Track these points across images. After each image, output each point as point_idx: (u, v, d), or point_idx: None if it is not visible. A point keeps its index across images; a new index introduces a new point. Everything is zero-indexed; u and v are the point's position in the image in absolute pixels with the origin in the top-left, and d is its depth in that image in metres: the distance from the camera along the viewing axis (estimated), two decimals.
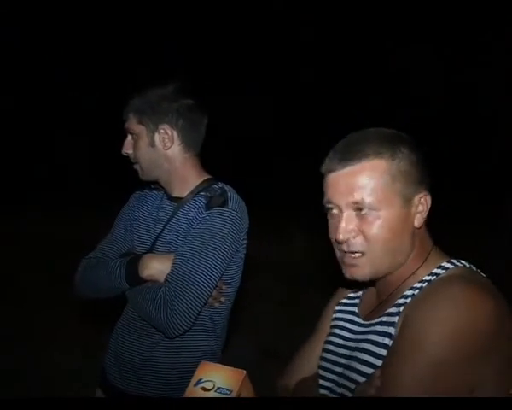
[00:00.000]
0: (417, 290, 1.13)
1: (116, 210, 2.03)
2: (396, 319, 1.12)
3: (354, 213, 1.15)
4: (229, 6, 8.65)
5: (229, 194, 1.74)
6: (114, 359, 1.86)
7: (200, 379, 0.97)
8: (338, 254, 1.20)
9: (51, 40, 8.48)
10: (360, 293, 1.34)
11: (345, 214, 1.15)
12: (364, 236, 1.14)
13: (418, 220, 1.16)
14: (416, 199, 1.15)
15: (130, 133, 1.79)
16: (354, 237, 1.15)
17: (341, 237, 1.15)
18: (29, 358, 3.86)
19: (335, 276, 1.46)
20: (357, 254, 1.16)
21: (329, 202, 1.18)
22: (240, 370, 0.97)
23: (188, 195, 1.80)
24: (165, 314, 1.59)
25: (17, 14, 8.47)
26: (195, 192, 1.79)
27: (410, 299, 1.13)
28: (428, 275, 1.15)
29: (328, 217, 1.21)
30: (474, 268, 1.17)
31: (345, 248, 1.16)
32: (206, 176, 1.84)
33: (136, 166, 1.82)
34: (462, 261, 1.18)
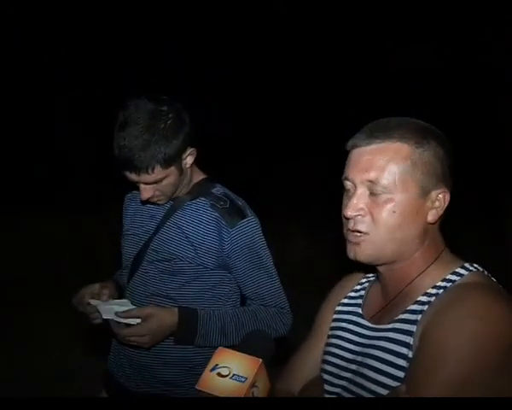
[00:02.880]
0: (433, 298, 1.10)
1: (116, 210, 2.02)
2: (413, 327, 1.09)
3: (368, 192, 1.13)
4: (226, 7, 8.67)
5: (239, 202, 1.78)
6: (118, 360, 1.87)
7: (217, 365, 0.97)
8: (345, 231, 1.18)
9: (51, 39, 8.48)
10: (363, 292, 1.30)
11: (358, 191, 1.14)
12: (372, 217, 1.12)
13: (432, 216, 1.14)
14: (433, 193, 1.13)
15: (156, 181, 1.67)
16: (362, 216, 1.13)
17: (349, 213, 1.13)
18: (29, 358, 3.87)
19: (335, 276, 1.46)
20: (360, 234, 1.13)
21: (346, 178, 1.16)
22: (256, 358, 0.97)
23: (185, 194, 1.80)
24: (286, 327, 1.81)
25: (18, 13, 8.47)
26: (194, 193, 1.80)
27: (426, 307, 1.09)
28: (443, 281, 1.12)
29: (344, 194, 1.19)
30: (486, 273, 1.15)
31: (351, 225, 1.14)
32: (199, 172, 1.85)
33: (160, 198, 1.75)
34: (475, 265, 1.16)
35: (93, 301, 1.73)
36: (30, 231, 6.65)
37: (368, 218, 1.12)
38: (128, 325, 1.69)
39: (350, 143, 1.18)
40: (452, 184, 1.17)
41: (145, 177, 1.63)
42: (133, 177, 1.64)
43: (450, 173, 1.15)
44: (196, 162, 1.81)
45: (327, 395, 1.21)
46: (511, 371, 1.01)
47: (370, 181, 1.12)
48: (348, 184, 1.16)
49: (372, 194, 1.12)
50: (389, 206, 1.11)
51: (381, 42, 8.66)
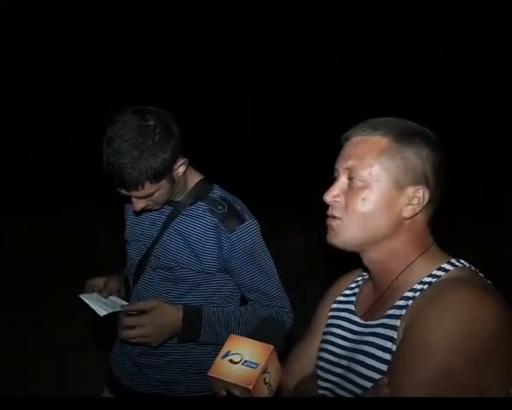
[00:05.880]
0: (418, 293, 1.11)
1: (116, 210, 2.02)
2: (398, 322, 1.11)
3: (347, 181, 1.19)
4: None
5: (237, 206, 1.78)
6: (120, 359, 1.89)
7: (229, 352, 1.00)
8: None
9: (50, 38, 8.48)
10: (357, 290, 1.33)
11: (340, 179, 1.21)
12: (346, 203, 1.18)
13: (408, 212, 1.17)
14: (410, 189, 1.16)
15: (147, 196, 1.67)
16: (338, 202, 1.19)
17: (327, 198, 1.20)
18: (28, 359, 3.87)
19: (335, 275, 1.46)
20: (335, 219, 1.20)
21: (334, 168, 1.24)
22: (267, 345, 1.00)
23: (184, 198, 1.80)
24: (289, 325, 1.81)
25: (21, 12, 8.47)
26: (193, 197, 1.80)
27: (411, 302, 1.11)
28: (429, 276, 1.13)
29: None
30: (473, 268, 1.16)
31: (329, 210, 1.21)
32: (195, 173, 1.84)
33: (154, 206, 1.75)
34: (462, 261, 1.17)
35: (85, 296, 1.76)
36: (30, 232, 6.66)
37: (342, 204, 1.19)
38: (130, 315, 1.70)
39: (343, 137, 1.25)
40: (441, 190, 1.19)
41: (136, 193, 1.64)
42: (124, 192, 1.65)
43: (434, 173, 1.17)
44: (192, 163, 1.80)
45: (320, 391, 1.24)
46: (498, 366, 1.02)
47: (348, 168, 1.19)
48: (335, 172, 1.23)
49: (350, 182, 1.19)
50: (362, 194, 1.16)
51: (380, 42, 8.66)
